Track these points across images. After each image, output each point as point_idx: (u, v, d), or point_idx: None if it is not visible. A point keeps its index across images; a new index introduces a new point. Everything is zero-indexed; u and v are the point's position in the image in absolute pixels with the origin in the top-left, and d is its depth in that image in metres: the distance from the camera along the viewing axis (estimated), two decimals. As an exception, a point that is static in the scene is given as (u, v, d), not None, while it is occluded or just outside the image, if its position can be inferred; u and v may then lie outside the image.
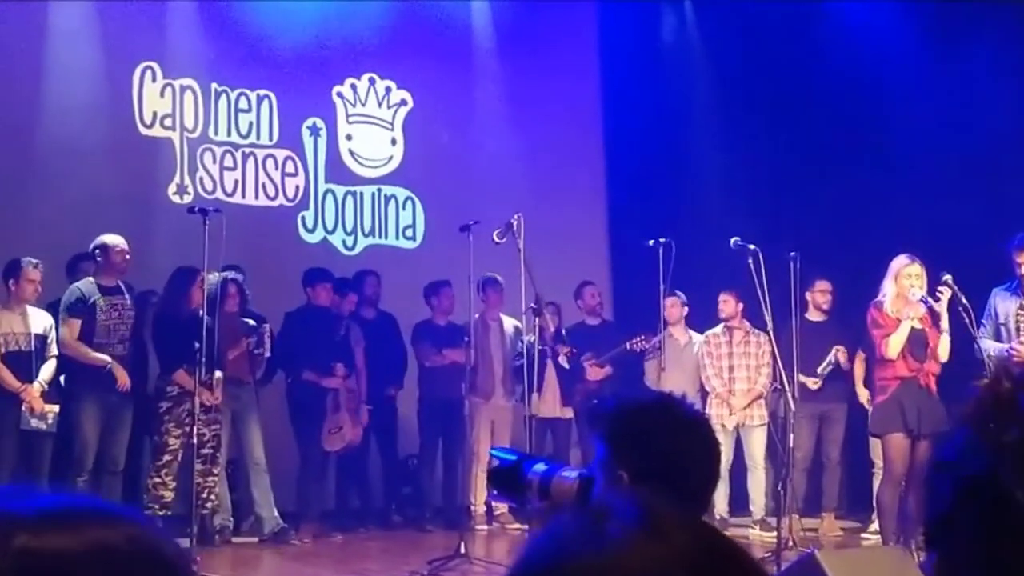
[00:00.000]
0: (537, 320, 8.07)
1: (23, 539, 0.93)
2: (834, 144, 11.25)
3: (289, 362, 9.31)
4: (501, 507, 9.90)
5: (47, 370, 8.01)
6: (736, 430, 9.64)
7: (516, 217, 7.75)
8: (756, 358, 9.61)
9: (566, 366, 9.80)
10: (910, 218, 10.26)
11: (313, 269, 9.59)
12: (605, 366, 9.84)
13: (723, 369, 9.67)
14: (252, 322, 8.87)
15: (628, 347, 9.65)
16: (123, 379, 8.04)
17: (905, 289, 7.35)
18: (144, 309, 8.56)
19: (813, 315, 9.55)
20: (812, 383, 9.33)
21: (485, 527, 9.74)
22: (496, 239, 7.88)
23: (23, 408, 7.82)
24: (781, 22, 11.43)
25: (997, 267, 8.67)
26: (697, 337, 9.99)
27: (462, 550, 7.76)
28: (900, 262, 7.45)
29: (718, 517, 9.59)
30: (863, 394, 9.04)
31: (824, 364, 9.35)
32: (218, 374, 8.35)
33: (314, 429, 9.22)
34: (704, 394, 9.87)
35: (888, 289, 7.47)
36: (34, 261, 7.97)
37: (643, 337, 9.60)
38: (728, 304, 9.61)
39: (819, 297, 9.53)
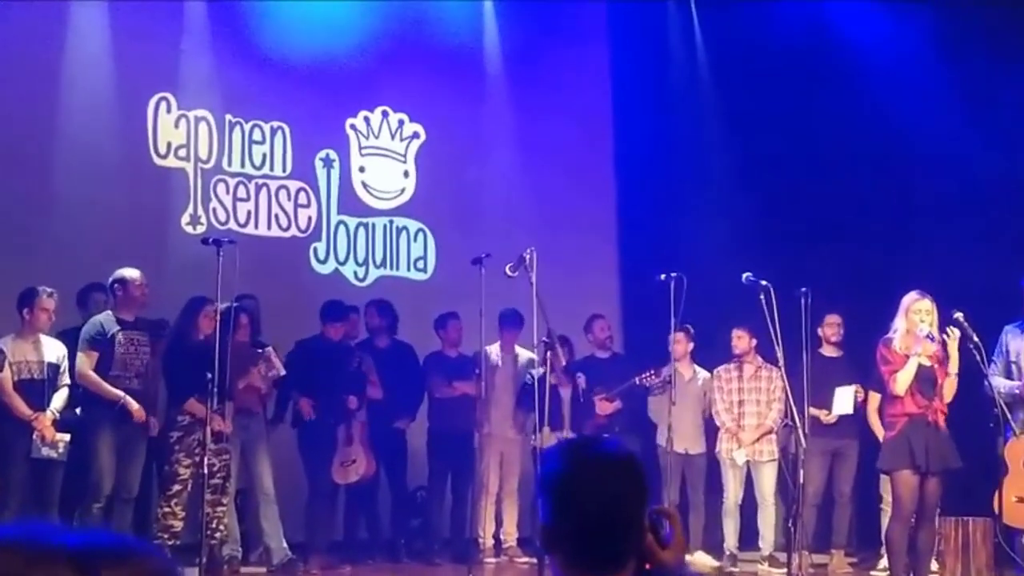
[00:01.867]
0: (548, 354, 8.07)
1: (108, 574, 1.03)
2: (848, 178, 11.26)
3: (300, 392, 9.31)
4: (510, 540, 9.89)
5: (59, 399, 8.03)
6: (746, 465, 9.63)
7: (529, 251, 7.76)
8: (767, 393, 9.60)
9: (583, 387, 9.78)
10: (923, 254, 10.26)
11: (330, 305, 9.55)
12: (615, 400, 9.84)
13: (733, 404, 9.65)
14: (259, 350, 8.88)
15: (637, 381, 9.64)
16: (139, 413, 8.06)
17: (914, 325, 7.35)
18: (158, 339, 8.59)
19: (827, 350, 9.55)
20: (825, 416, 9.31)
21: (493, 560, 9.72)
22: (508, 273, 7.89)
23: (34, 436, 7.84)
24: (796, 50, 11.46)
25: (1009, 304, 8.69)
26: (702, 372, 9.99)
27: (470, 583, 7.76)
28: (910, 298, 7.45)
29: (727, 552, 9.59)
30: (878, 430, 8.93)
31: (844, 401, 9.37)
32: (229, 404, 8.39)
33: (323, 460, 9.21)
34: (709, 428, 9.86)
35: (899, 325, 7.47)
36: (48, 290, 8.00)
37: (653, 372, 9.60)
38: (742, 340, 9.60)
39: (828, 331, 9.54)
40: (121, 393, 8.05)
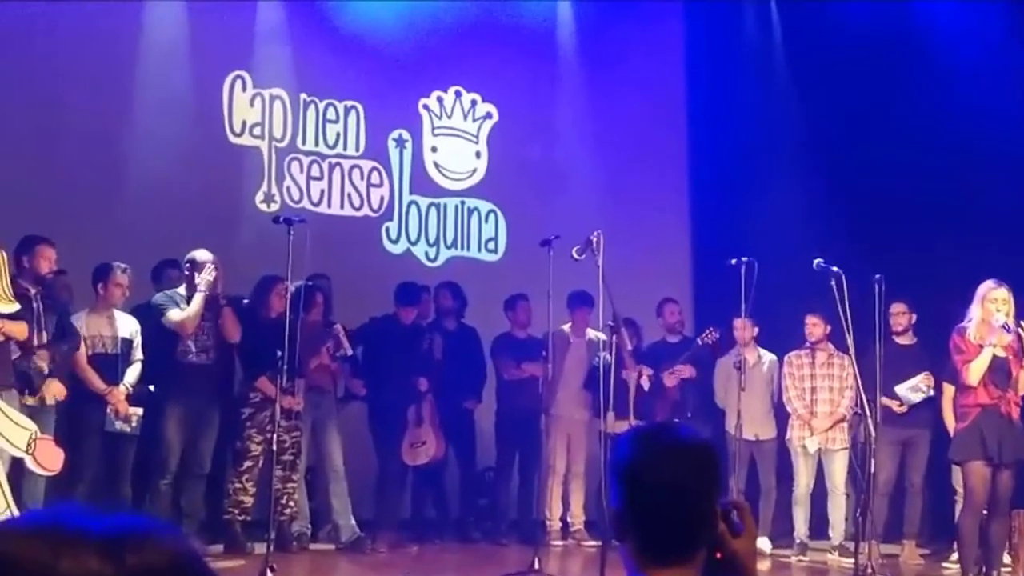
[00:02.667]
0: (615, 338, 8.03)
1: (132, 559, 1.07)
2: (924, 166, 11.06)
3: (372, 372, 9.37)
4: (577, 523, 9.88)
5: (132, 373, 8.14)
6: (817, 454, 9.53)
7: (596, 235, 7.72)
8: (840, 380, 9.48)
9: (646, 387, 9.76)
10: (1000, 243, 10.06)
11: (404, 288, 9.56)
12: (686, 365, 9.78)
13: (805, 391, 9.55)
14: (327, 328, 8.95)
15: (700, 342, 9.62)
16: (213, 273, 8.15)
17: (990, 314, 7.23)
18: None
19: (901, 339, 9.41)
20: (897, 407, 9.19)
21: (560, 543, 9.72)
22: (575, 256, 7.86)
23: (108, 410, 7.95)
24: (873, 36, 11.28)
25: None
26: (767, 355, 9.91)
27: (536, 566, 7.76)
28: (987, 287, 7.33)
29: (798, 541, 9.51)
30: (950, 422, 8.80)
31: (911, 388, 9.21)
32: (300, 381, 8.47)
33: (393, 440, 9.27)
34: (777, 414, 9.77)
35: (974, 314, 7.35)
36: (123, 266, 8.10)
37: (711, 329, 9.58)
38: (817, 327, 9.47)
39: (895, 319, 9.37)
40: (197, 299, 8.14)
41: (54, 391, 7.43)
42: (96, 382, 7.95)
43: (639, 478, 2.09)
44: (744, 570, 2.12)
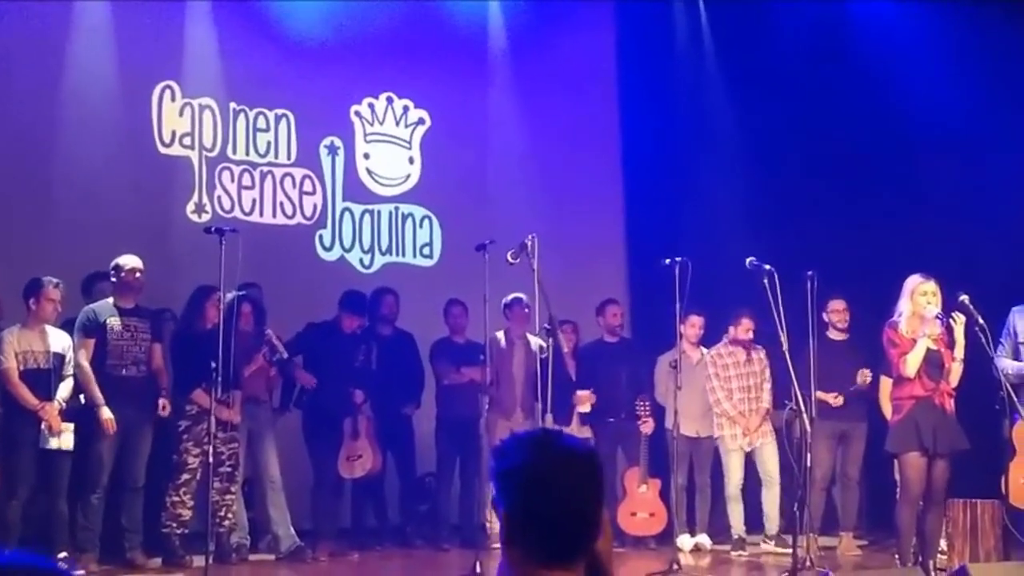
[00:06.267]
0: (552, 341, 8.05)
1: None
2: (854, 161, 11.21)
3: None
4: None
5: (65, 388, 8.04)
6: (745, 448, 9.64)
7: (530, 238, 7.74)
8: (760, 376, 9.65)
9: (586, 410, 9.83)
10: (929, 236, 10.20)
11: (352, 296, 9.55)
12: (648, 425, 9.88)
13: (732, 391, 9.66)
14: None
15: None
16: (106, 424, 8.02)
17: (920, 307, 7.31)
18: (160, 327, 8.60)
19: (834, 334, 9.50)
20: (833, 399, 9.27)
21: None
22: (510, 260, 7.87)
23: (42, 426, 7.85)
24: (802, 32, 11.40)
25: (1017, 285, 8.65)
26: (708, 354, 9.99)
27: (478, 569, 7.75)
28: (914, 280, 7.41)
29: (735, 536, 9.57)
30: (889, 414, 8.90)
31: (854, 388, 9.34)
32: (236, 393, 8.42)
33: (329, 451, 9.22)
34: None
35: (904, 308, 7.43)
36: (54, 280, 8.00)
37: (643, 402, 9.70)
38: (750, 331, 9.61)
39: (834, 316, 9.47)
40: (100, 400, 8.04)
41: None
42: (28, 398, 7.85)
43: (535, 483, 2.12)
44: (604, 570, 2.21)
